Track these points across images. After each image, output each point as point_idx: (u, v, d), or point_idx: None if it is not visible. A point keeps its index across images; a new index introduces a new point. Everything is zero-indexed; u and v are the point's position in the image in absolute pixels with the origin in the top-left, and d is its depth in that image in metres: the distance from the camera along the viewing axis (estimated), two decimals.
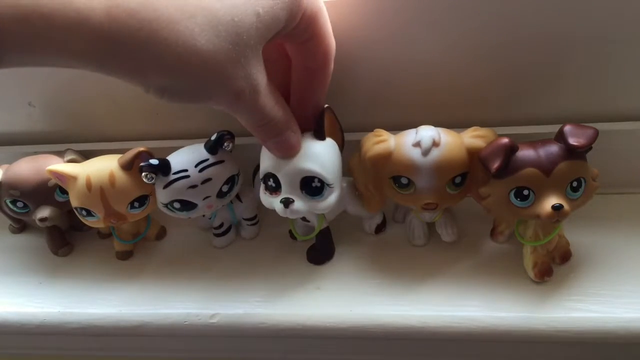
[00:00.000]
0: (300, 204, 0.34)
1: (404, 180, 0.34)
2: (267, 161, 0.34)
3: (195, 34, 0.25)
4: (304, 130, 0.34)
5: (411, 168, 0.34)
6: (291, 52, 0.33)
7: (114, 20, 0.23)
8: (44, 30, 0.22)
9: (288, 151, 0.33)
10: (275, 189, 0.34)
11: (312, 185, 0.34)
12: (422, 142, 0.33)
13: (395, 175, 0.35)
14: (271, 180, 0.34)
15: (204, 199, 0.37)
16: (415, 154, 0.33)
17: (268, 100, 0.30)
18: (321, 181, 0.34)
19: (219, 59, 0.26)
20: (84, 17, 0.23)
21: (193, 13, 0.25)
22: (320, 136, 0.34)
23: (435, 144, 0.33)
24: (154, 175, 0.37)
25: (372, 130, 0.36)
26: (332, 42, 0.32)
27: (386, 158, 0.34)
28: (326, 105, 0.34)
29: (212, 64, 0.26)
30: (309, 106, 0.34)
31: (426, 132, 0.33)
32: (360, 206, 0.39)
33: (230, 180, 0.38)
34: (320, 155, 0.34)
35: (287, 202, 0.34)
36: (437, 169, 0.33)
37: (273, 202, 0.35)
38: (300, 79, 0.34)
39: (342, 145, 0.36)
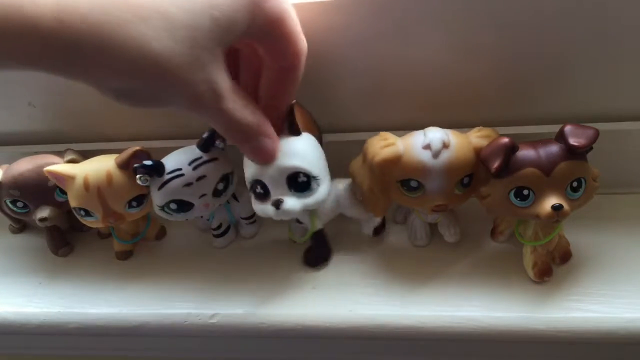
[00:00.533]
0: (291, 202, 0.33)
1: (413, 184, 0.34)
2: (250, 169, 0.34)
3: (149, 38, 0.25)
4: (279, 131, 0.34)
5: (422, 171, 0.33)
6: (262, 52, 0.32)
7: (64, 24, 0.23)
8: None
9: (264, 156, 0.33)
10: (264, 195, 0.34)
11: (298, 181, 0.33)
12: (432, 144, 0.33)
13: (404, 179, 0.34)
14: (258, 187, 0.34)
15: (200, 197, 0.37)
16: (426, 157, 0.33)
17: (235, 104, 0.30)
18: (307, 175, 0.34)
19: (174, 63, 0.26)
20: (33, 23, 0.22)
21: (147, 17, 0.25)
22: (296, 132, 0.34)
23: (445, 145, 0.33)
24: (148, 177, 0.36)
25: (371, 131, 0.36)
26: (302, 43, 0.32)
27: (395, 162, 0.34)
28: (294, 101, 0.34)
29: (167, 67, 0.26)
30: (282, 106, 0.34)
31: (435, 134, 0.33)
32: (359, 209, 0.39)
33: (225, 179, 0.38)
34: (300, 149, 0.34)
35: (277, 203, 0.33)
36: (448, 171, 0.33)
37: (265, 209, 0.34)
38: (272, 79, 0.33)
39: (319, 136, 0.36)
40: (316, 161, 0.34)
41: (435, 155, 0.33)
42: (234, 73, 0.35)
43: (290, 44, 0.31)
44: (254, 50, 0.33)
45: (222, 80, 0.29)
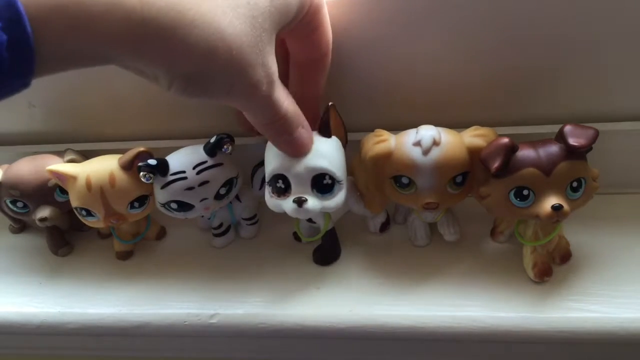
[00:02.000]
0: (313, 203, 0.33)
1: (404, 180, 0.34)
2: (274, 162, 0.34)
3: (219, 16, 0.25)
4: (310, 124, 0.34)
5: (412, 167, 0.34)
6: (294, 45, 0.33)
7: (146, 3, 0.23)
8: (82, 16, 0.22)
9: (301, 149, 0.33)
10: (284, 191, 0.34)
11: (323, 183, 0.33)
12: (422, 141, 0.33)
13: (396, 175, 0.35)
14: (280, 181, 0.34)
15: (200, 200, 0.37)
16: (416, 153, 0.33)
17: (281, 94, 0.30)
18: (332, 178, 0.33)
19: (241, 43, 0.26)
20: (119, 2, 0.22)
21: None
22: (327, 133, 0.34)
23: (435, 143, 0.33)
24: (151, 175, 0.37)
25: (373, 131, 0.36)
26: (331, 32, 0.33)
27: (387, 158, 0.34)
28: (331, 103, 0.34)
29: (236, 48, 0.25)
30: (309, 98, 0.34)
31: (426, 132, 0.33)
32: (363, 206, 0.39)
33: (229, 183, 0.38)
34: (329, 152, 0.34)
35: (300, 202, 0.33)
36: (438, 168, 0.33)
37: (282, 204, 0.34)
38: (301, 72, 0.34)
39: (345, 142, 0.36)
40: (341, 166, 0.34)
41: (425, 152, 0.33)
42: None
43: (325, 34, 0.32)
44: (279, 48, 0.33)
45: (274, 67, 0.28)
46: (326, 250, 0.40)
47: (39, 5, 0.21)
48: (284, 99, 0.30)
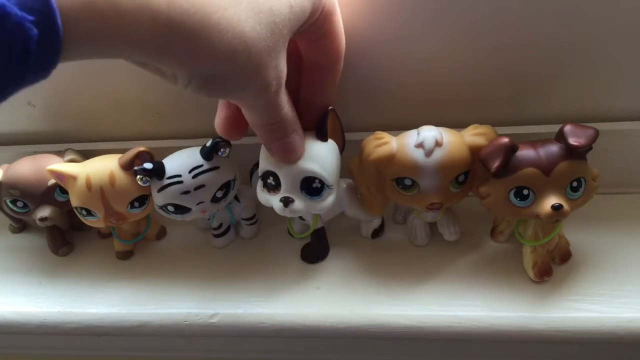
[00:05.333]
0: (299, 204, 0.34)
1: (407, 182, 0.34)
2: (267, 159, 0.34)
3: (242, 20, 0.25)
4: (309, 128, 0.34)
5: (415, 169, 0.34)
6: (304, 49, 0.33)
7: (173, 5, 0.23)
8: (112, 17, 0.22)
9: (292, 154, 0.33)
10: (274, 187, 0.34)
11: (312, 186, 0.34)
12: (425, 142, 0.33)
13: (398, 177, 0.35)
14: (271, 178, 0.34)
15: (197, 204, 0.37)
16: (419, 155, 0.33)
17: (284, 97, 0.31)
18: (322, 182, 0.34)
19: (259, 47, 0.26)
20: (147, 3, 0.22)
21: None
22: (323, 137, 0.34)
23: (438, 144, 0.33)
24: (148, 179, 0.37)
25: (372, 131, 0.36)
26: (344, 41, 0.33)
27: (389, 160, 0.34)
28: (330, 107, 0.34)
29: (254, 51, 0.26)
30: (317, 105, 0.34)
31: (428, 133, 0.33)
32: (359, 209, 0.39)
33: (225, 186, 0.38)
34: (322, 156, 0.34)
35: (287, 201, 0.34)
36: (441, 169, 0.33)
37: (271, 200, 0.35)
38: (311, 77, 0.34)
39: (342, 147, 0.36)
40: (333, 171, 0.34)
41: (428, 153, 0.33)
42: None
43: (334, 40, 0.32)
44: (292, 50, 0.33)
45: (285, 70, 0.29)
46: (313, 248, 0.40)
47: (72, 2, 0.21)
48: (285, 103, 0.31)
